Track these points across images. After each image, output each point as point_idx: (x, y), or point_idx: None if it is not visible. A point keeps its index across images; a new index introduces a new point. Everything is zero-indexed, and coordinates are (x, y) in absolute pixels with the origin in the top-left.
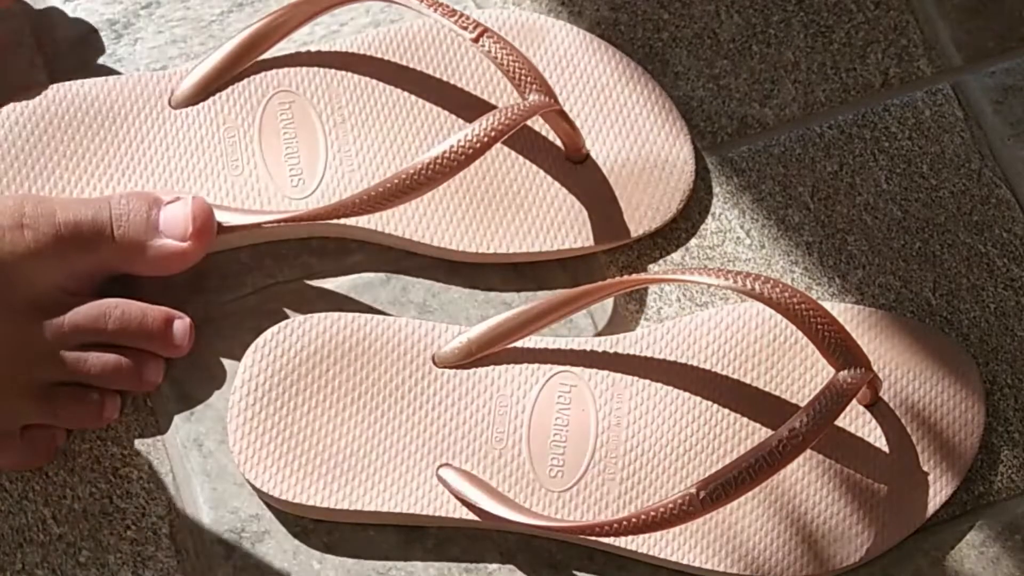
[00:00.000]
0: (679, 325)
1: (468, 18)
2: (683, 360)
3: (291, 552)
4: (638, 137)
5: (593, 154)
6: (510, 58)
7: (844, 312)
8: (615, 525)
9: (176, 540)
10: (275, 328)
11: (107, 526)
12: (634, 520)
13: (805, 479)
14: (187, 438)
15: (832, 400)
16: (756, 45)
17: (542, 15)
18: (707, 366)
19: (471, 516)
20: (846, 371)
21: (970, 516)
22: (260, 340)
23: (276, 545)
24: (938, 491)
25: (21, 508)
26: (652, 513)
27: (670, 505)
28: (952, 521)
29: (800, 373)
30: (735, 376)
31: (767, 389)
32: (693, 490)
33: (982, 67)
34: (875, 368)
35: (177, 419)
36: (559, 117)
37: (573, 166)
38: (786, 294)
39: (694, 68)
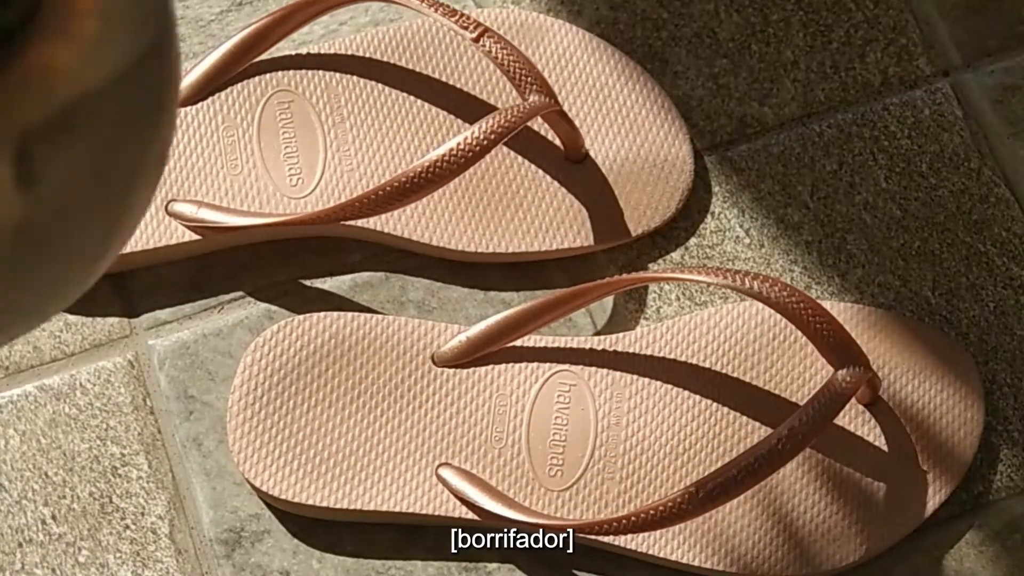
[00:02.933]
0: (678, 324)
1: (468, 18)
2: (682, 359)
3: (291, 552)
4: (637, 136)
5: (593, 153)
6: (510, 58)
7: (843, 311)
8: (614, 524)
9: (176, 540)
10: (274, 328)
11: (107, 526)
12: (633, 519)
13: (804, 478)
14: (187, 438)
15: (831, 399)
16: (755, 44)
17: (542, 15)
18: (706, 365)
19: (471, 515)
20: (845, 370)
21: (969, 515)
22: (259, 340)
23: (276, 545)
24: (937, 490)
25: (21, 508)
26: (651, 512)
27: (669, 504)
28: (951, 520)
29: (799, 372)
30: (734, 375)
31: (766, 388)
32: (692, 489)
33: (981, 66)
34: (874, 367)
35: (177, 419)
36: (559, 117)
37: (573, 166)
38: (785, 293)
39: (693, 67)
